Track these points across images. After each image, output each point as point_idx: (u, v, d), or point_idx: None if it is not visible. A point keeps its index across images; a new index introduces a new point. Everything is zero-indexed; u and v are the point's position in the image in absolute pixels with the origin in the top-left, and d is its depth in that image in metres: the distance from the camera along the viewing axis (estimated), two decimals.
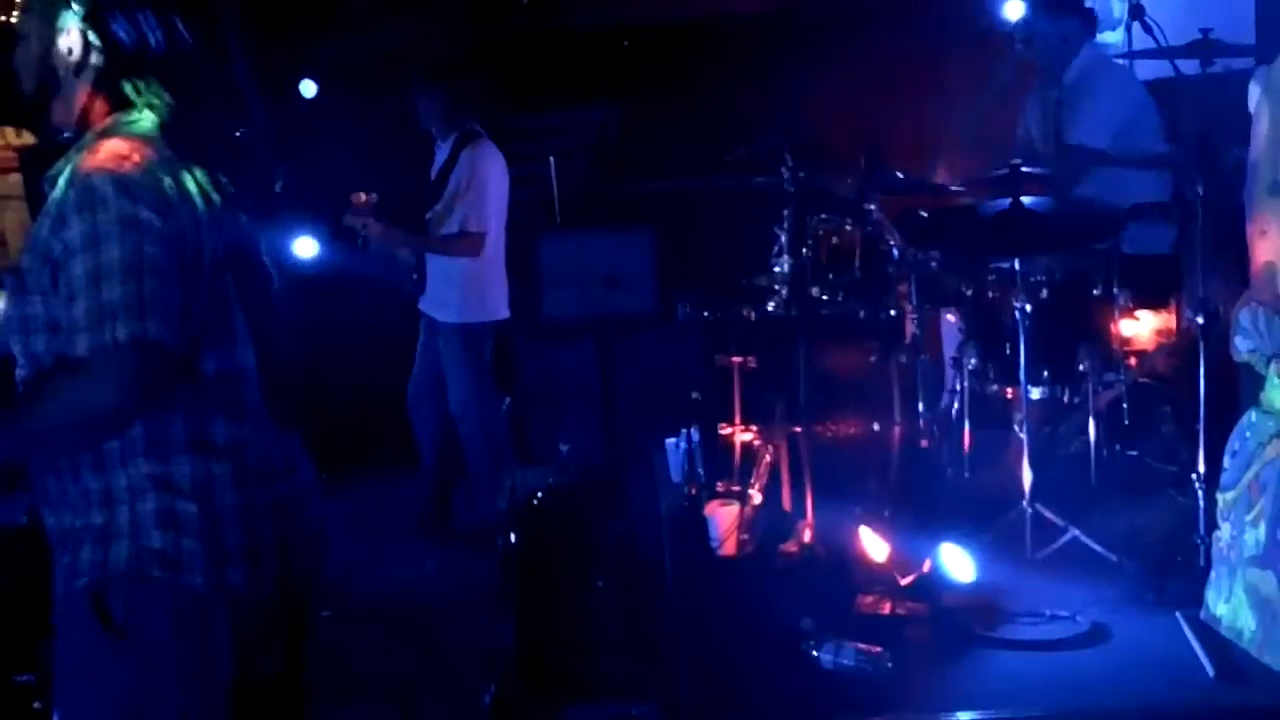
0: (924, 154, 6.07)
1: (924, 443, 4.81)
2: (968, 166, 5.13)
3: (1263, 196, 3.69)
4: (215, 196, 2.27)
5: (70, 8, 2.25)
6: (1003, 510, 4.30)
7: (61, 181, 2.18)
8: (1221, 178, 4.12)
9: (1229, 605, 3.68)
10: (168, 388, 2.15)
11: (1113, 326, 4.61)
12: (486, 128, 5.78)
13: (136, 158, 2.17)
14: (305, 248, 5.41)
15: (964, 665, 3.64)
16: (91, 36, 2.25)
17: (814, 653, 3.50)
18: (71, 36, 2.26)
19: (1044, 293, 4.54)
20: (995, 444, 4.86)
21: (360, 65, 6.77)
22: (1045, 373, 4.54)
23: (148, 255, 2.10)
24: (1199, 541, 4.02)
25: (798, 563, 4.16)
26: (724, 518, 4.38)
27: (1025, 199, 4.47)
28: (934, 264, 4.81)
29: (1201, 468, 4.07)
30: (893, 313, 4.86)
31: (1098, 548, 4.14)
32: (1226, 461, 3.79)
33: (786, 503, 4.54)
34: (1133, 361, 4.82)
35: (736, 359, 4.84)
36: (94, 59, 2.26)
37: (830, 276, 4.90)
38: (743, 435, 4.85)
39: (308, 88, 6.17)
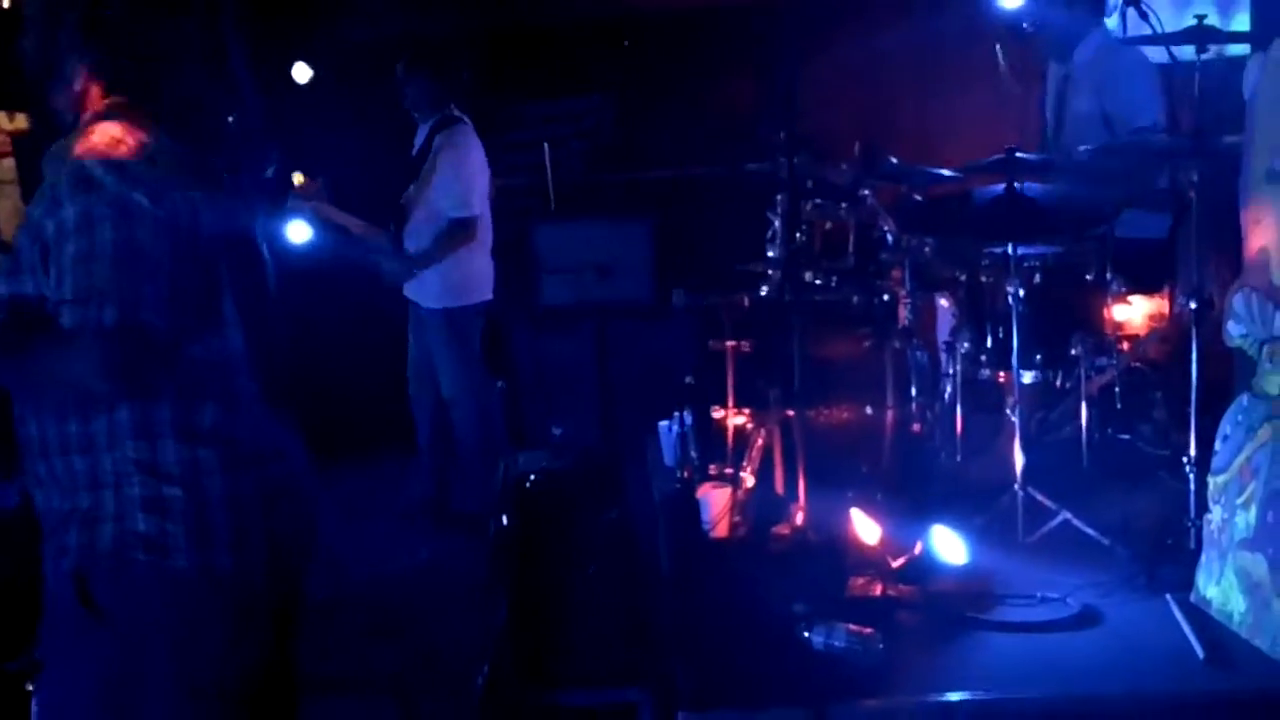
0: (919, 141, 6.09)
1: (916, 427, 4.82)
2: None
3: (1257, 183, 3.70)
4: (209, 182, 2.27)
5: None
6: (994, 494, 4.31)
7: (59, 165, 2.19)
8: (1216, 164, 4.13)
9: (1220, 588, 3.70)
10: (156, 373, 2.15)
11: (1106, 312, 4.62)
12: (474, 113, 5.79)
13: (131, 142, 2.18)
14: (298, 233, 5.42)
15: (955, 647, 3.65)
16: (89, 22, 2.26)
17: (806, 635, 3.51)
18: (70, 22, 2.26)
19: (1037, 278, 4.55)
20: (988, 428, 4.86)
21: (355, 51, 6.77)
22: (1038, 357, 4.55)
23: (140, 239, 2.11)
24: (1190, 525, 4.03)
25: (790, 546, 4.16)
26: (716, 501, 4.39)
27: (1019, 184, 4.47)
28: (927, 250, 4.81)
29: (1193, 452, 4.08)
30: (886, 298, 4.87)
31: (1089, 531, 4.14)
32: (1218, 445, 3.80)
33: (779, 486, 4.55)
34: (1125, 346, 4.83)
35: (730, 344, 4.85)
36: (91, 44, 2.27)
37: (824, 262, 4.92)
38: (736, 419, 4.86)
39: (302, 72, 6.16)
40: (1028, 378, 4.55)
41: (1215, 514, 3.78)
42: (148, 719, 2.21)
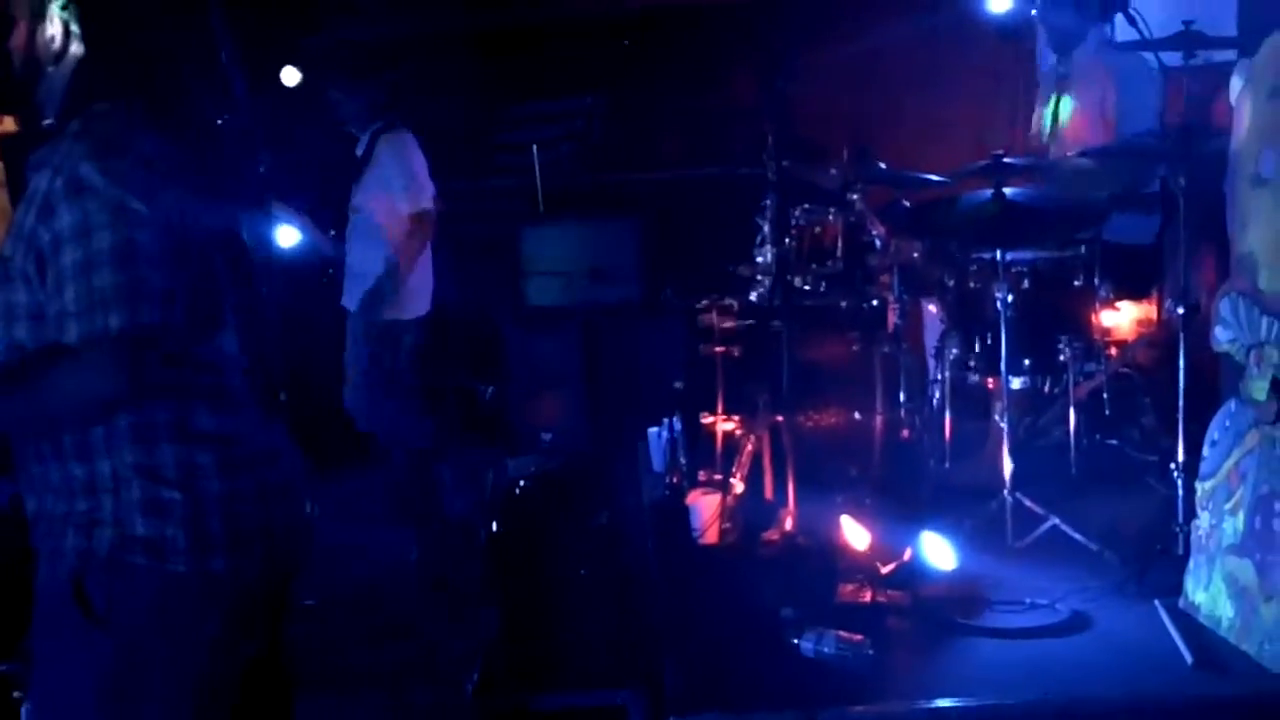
0: (908, 145, 6.10)
1: (905, 432, 4.83)
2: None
3: (1244, 188, 3.71)
4: (202, 183, 2.26)
5: None
6: (983, 499, 4.32)
7: (48, 170, 2.17)
8: (1203, 169, 4.14)
9: (1208, 593, 3.71)
10: (160, 376, 2.15)
11: (1093, 317, 4.63)
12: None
13: (123, 145, 2.17)
14: (287, 236, 5.40)
15: (945, 653, 3.66)
16: (73, 25, 2.25)
17: (795, 641, 3.52)
18: (54, 24, 2.25)
19: (1025, 283, 4.56)
20: (976, 434, 4.88)
21: (345, 53, 6.75)
22: (1026, 363, 4.56)
23: (138, 243, 2.10)
24: (1178, 530, 4.04)
25: (779, 551, 4.17)
26: (706, 507, 4.39)
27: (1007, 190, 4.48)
28: (916, 255, 4.82)
29: (1181, 457, 4.09)
30: (875, 303, 4.88)
31: (1078, 536, 4.16)
32: (1206, 451, 3.81)
33: (768, 492, 4.56)
34: (1113, 352, 4.84)
35: (719, 349, 4.85)
36: (74, 47, 2.26)
37: (813, 267, 4.92)
38: (725, 425, 4.86)
39: (291, 75, 6.15)
40: (1016, 383, 4.57)
41: (1203, 519, 3.79)
42: None
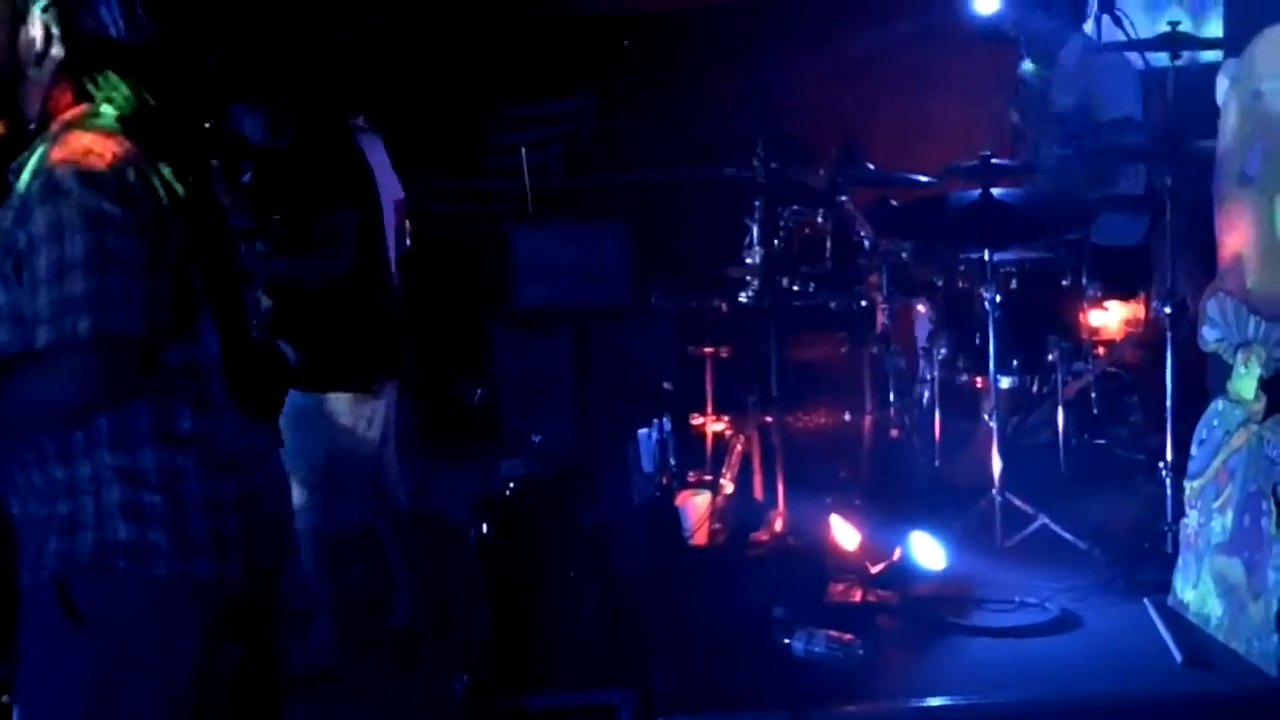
0: (896, 145, 6.10)
1: (895, 432, 4.83)
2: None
3: (1231, 188, 3.72)
4: (181, 189, 2.25)
5: None
6: (973, 499, 4.33)
7: (26, 173, 2.16)
8: (1190, 170, 4.15)
9: (1196, 591, 3.72)
10: (134, 380, 2.14)
11: (1082, 317, 4.65)
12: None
13: (101, 150, 2.15)
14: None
15: (935, 652, 3.66)
16: (53, 27, 2.23)
17: (786, 641, 3.52)
18: (34, 26, 2.23)
19: (1014, 283, 4.57)
20: (965, 433, 4.89)
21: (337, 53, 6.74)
22: (1015, 362, 4.57)
23: (111, 248, 2.09)
24: (1166, 529, 4.06)
25: (769, 552, 4.17)
26: (696, 507, 4.39)
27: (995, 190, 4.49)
28: (905, 255, 4.83)
29: (1169, 456, 4.11)
30: (864, 303, 4.87)
31: (1067, 535, 4.17)
32: (1194, 450, 3.82)
33: (758, 492, 4.55)
34: (1101, 351, 4.86)
35: (709, 350, 4.85)
36: (55, 50, 2.24)
37: (802, 268, 4.91)
38: (715, 425, 4.85)
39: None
40: (1005, 383, 4.58)
41: (1192, 518, 3.80)
42: None
